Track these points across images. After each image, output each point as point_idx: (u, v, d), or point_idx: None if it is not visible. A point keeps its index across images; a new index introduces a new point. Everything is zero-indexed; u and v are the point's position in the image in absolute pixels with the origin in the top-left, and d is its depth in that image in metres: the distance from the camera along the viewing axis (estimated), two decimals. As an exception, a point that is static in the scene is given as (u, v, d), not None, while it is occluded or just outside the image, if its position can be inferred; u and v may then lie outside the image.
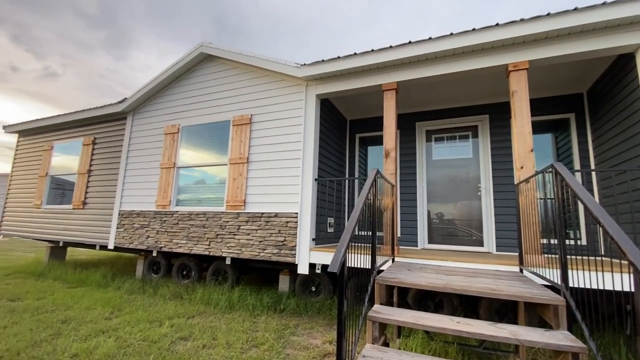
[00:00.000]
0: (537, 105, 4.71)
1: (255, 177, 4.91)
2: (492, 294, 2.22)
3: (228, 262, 4.98)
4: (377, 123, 5.79)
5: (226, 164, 5.19)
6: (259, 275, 6.29)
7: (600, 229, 1.67)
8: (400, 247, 5.24)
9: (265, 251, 4.57)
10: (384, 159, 4.14)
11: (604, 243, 4.18)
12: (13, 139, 8.66)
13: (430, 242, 5.43)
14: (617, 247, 1.50)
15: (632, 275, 1.41)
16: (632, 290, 1.40)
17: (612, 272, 1.71)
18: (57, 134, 7.56)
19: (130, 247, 5.83)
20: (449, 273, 2.93)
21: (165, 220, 5.54)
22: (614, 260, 2.84)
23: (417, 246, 5.40)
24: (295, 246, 4.37)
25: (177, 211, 5.47)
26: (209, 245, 5.03)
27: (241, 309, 4.18)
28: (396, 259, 3.72)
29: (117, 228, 6.04)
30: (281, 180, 4.69)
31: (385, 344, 2.35)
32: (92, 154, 6.81)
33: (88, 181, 6.72)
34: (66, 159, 7.32)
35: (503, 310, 3.46)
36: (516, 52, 3.68)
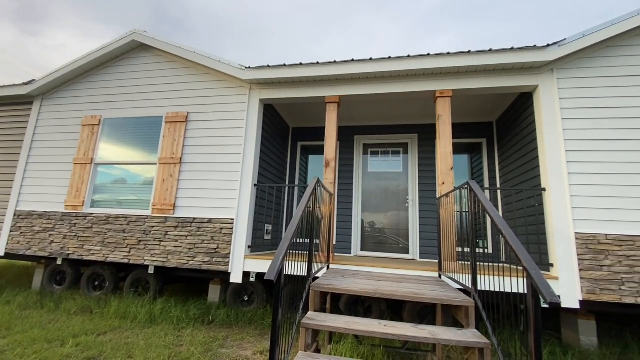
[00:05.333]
0: (458, 129, 5.33)
1: (188, 179, 4.60)
2: (416, 297, 2.42)
3: (151, 271, 4.54)
4: (319, 133, 5.92)
5: (155, 164, 4.78)
6: (186, 285, 5.85)
7: (503, 239, 1.96)
8: (336, 254, 5.39)
9: (196, 259, 4.29)
10: (324, 169, 4.25)
11: (505, 251, 4.87)
12: None
13: (362, 249, 5.69)
14: (514, 255, 1.78)
15: (525, 279, 1.67)
16: (525, 292, 1.66)
17: (511, 276, 2.00)
18: None
19: (27, 253, 4.94)
20: (379, 279, 3.10)
21: (75, 224, 4.84)
22: (512, 266, 3.32)
23: (350, 253, 5.62)
24: (229, 254, 4.19)
25: (91, 213, 4.83)
26: (129, 252, 4.53)
27: (164, 322, 3.83)
28: (331, 265, 3.81)
29: (10, 231, 5.08)
30: (218, 184, 4.48)
31: (317, 351, 2.37)
32: (-18, 142, 5.67)
33: (-27, 174, 5.55)
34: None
35: (424, 312, 3.77)
36: (443, 80, 4.15)
